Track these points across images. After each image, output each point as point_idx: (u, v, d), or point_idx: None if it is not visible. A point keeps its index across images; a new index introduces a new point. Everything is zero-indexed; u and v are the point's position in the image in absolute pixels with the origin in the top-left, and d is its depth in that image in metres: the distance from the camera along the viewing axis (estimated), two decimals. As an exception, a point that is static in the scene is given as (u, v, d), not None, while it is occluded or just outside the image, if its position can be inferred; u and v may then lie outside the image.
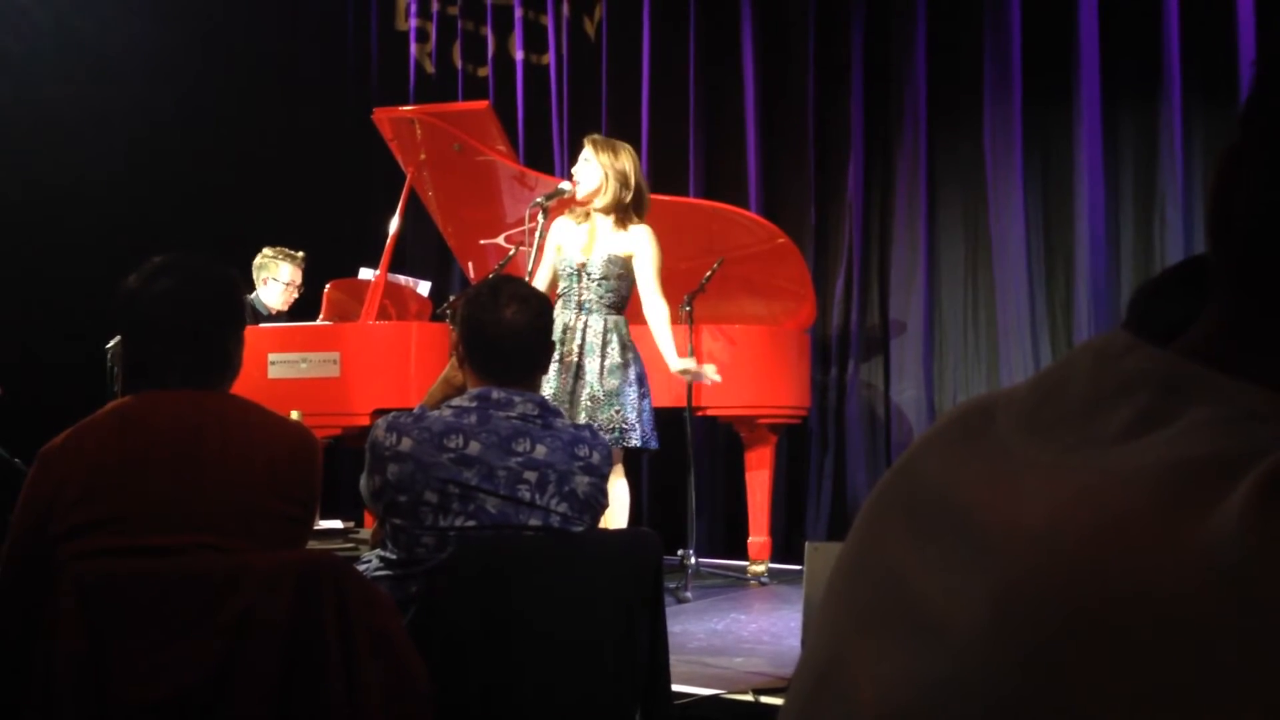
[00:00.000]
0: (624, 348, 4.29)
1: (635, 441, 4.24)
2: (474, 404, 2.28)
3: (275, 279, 5.53)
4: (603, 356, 4.25)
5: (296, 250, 5.63)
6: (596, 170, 4.30)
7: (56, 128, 6.25)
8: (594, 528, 2.40)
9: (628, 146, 4.41)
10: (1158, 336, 0.52)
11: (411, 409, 2.35)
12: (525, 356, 2.33)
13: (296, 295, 5.62)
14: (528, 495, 2.24)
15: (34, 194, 6.13)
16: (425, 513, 2.20)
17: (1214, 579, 0.41)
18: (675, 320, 4.95)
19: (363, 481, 2.31)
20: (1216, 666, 0.40)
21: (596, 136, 4.44)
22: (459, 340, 2.36)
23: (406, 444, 2.21)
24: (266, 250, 5.57)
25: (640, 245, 4.32)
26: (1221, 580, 0.41)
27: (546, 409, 2.33)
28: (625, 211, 4.31)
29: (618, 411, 4.21)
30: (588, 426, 2.43)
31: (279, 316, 5.55)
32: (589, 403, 4.21)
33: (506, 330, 2.30)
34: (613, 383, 4.23)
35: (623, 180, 4.30)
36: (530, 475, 2.24)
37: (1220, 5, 5.09)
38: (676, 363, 4.37)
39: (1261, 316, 0.49)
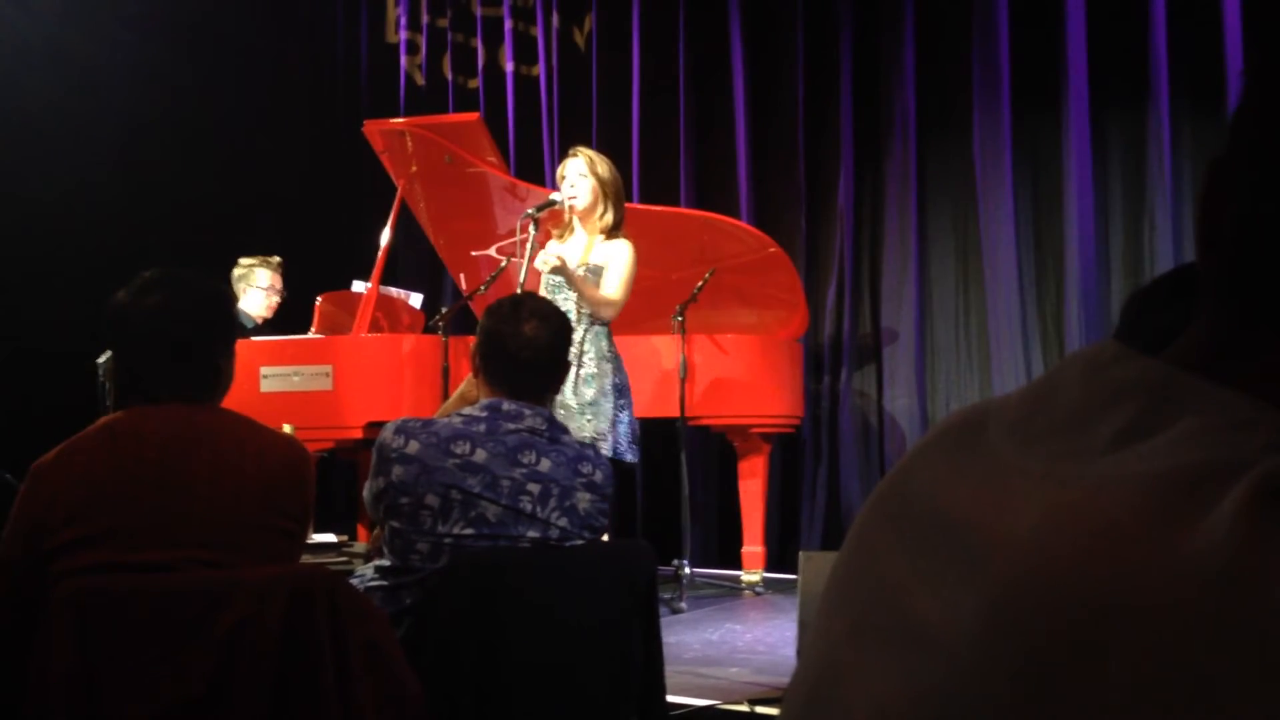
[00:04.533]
0: (600, 358, 4.27)
1: (605, 451, 4.18)
2: (484, 413, 2.29)
3: (256, 286, 5.52)
4: (578, 366, 4.24)
5: (272, 256, 5.63)
6: (592, 185, 4.32)
7: (44, 140, 6.23)
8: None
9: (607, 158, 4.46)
10: (1148, 345, 0.52)
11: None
12: (539, 373, 2.34)
13: (278, 300, 5.61)
14: (529, 507, 2.25)
15: (22, 207, 6.11)
16: (425, 517, 2.21)
17: (1205, 587, 0.41)
18: (666, 330, 4.96)
19: (367, 485, 2.31)
20: (1208, 674, 0.40)
21: (590, 152, 4.44)
22: (475, 351, 2.37)
23: (414, 447, 2.22)
24: (242, 260, 5.57)
25: (617, 257, 4.33)
26: (1212, 588, 0.41)
27: (554, 425, 2.35)
28: (613, 226, 4.36)
29: (589, 421, 4.19)
30: (592, 446, 2.44)
31: (264, 326, 5.53)
32: (561, 412, 4.18)
33: (524, 345, 2.31)
34: (587, 393, 4.21)
35: (617, 197, 4.37)
36: (533, 487, 2.25)
37: (1207, 12, 5.11)
38: (553, 263, 4.18)
39: (1251, 326, 0.50)
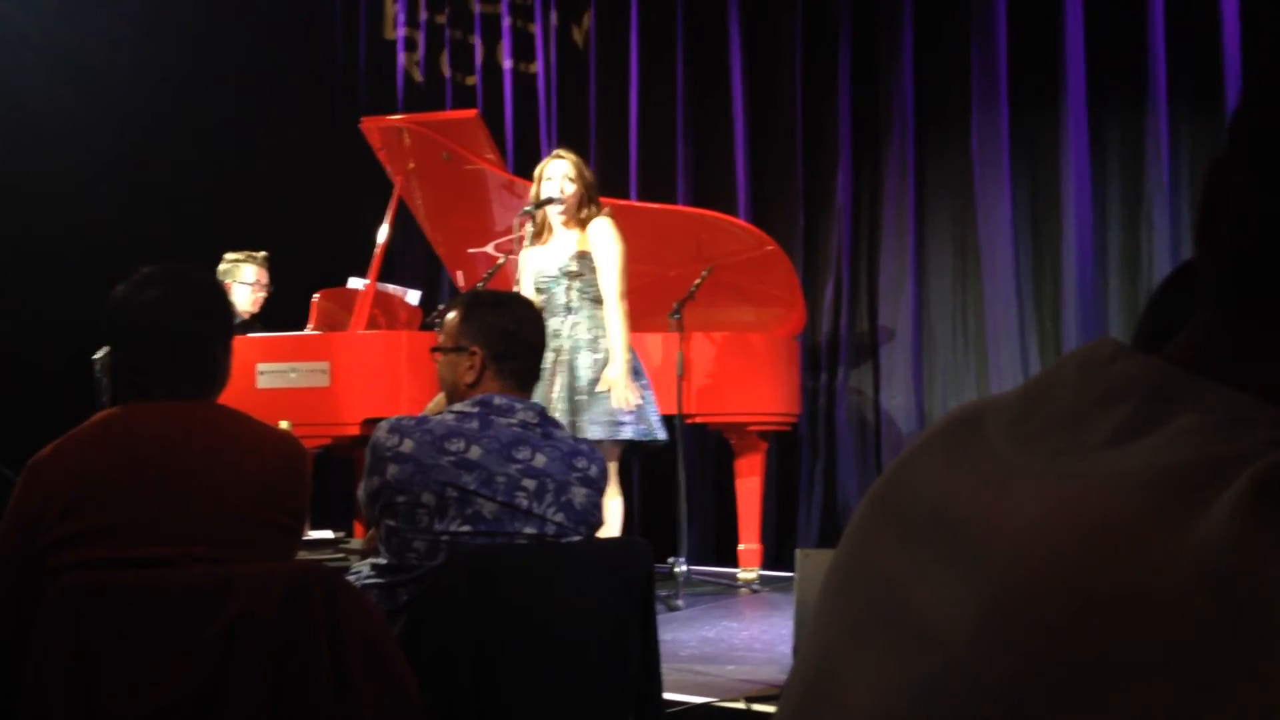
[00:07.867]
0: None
1: (629, 434, 4.18)
2: (476, 409, 2.29)
3: (241, 281, 5.45)
4: (593, 351, 4.23)
5: (258, 250, 5.58)
6: (576, 190, 4.32)
7: (43, 137, 6.23)
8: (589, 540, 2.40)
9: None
10: (1146, 342, 0.52)
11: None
12: (542, 354, 2.48)
13: (264, 295, 5.56)
14: (525, 503, 2.25)
15: (20, 204, 6.11)
16: (421, 515, 2.21)
17: (1204, 582, 0.41)
18: (663, 328, 4.96)
19: (361, 485, 2.31)
20: (1209, 669, 0.40)
21: (573, 156, 4.42)
22: (486, 352, 2.35)
23: (408, 445, 2.22)
24: (227, 255, 5.51)
25: (600, 237, 4.27)
26: (1212, 583, 0.41)
27: (546, 418, 2.36)
28: (585, 213, 4.34)
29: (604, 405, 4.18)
30: (585, 440, 2.47)
31: (252, 322, 5.49)
32: (579, 399, 4.17)
33: (536, 328, 2.43)
34: (593, 376, 4.20)
35: (593, 195, 4.37)
36: (529, 483, 2.25)
37: (1206, 10, 5.11)
38: (614, 368, 4.16)
39: (1249, 324, 0.50)
